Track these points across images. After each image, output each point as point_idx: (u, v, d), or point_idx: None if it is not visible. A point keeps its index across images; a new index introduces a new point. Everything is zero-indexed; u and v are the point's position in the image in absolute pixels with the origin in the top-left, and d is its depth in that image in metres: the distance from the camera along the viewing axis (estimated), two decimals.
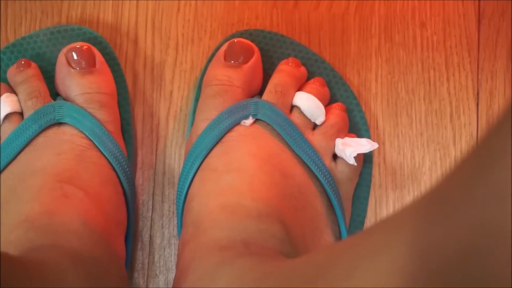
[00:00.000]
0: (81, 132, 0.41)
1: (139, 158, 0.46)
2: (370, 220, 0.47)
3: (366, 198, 0.46)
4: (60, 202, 0.38)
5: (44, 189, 0.38)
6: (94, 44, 0.44)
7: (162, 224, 0.46)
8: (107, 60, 0.44)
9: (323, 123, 0.43)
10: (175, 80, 0.47)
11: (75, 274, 0.34)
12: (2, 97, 0.42)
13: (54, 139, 0.41)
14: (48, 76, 0.44)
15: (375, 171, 0.47)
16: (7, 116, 0.42)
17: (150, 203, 0.46)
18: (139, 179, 0.46)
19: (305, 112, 0.43)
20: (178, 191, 0.43)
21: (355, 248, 0.25)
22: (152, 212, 0.46)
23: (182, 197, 0.42)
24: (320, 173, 0.42)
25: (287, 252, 0.36)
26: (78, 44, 0.43)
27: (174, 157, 0.46)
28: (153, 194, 0.46)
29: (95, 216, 0.38)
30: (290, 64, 0.44)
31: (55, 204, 0.37)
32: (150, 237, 0.45)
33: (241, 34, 0.46)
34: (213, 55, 0.45)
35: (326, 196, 0.42)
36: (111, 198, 0.41)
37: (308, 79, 0.45)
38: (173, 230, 0.46)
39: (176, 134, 0.47)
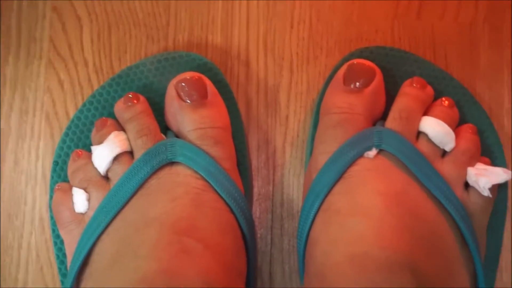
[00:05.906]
0: (196, 172, 0.38)
1: (255, 190, 0.43)
2: (507, 247, 0.43)
3: (502, 228, 0.42)
4: (179, 259, 0.34)
5: (161, 243, 0.35)
6: (204, 71, 0.41)
7: (282, 259, 0.43)
8: (218, 88, 0.41)
9: (453, 149, 0.39)
10: (290, 103, 0.43)
11: None
12: (110, 137, 0.39)
13: (168, 182, 0.38)
14: (157, 107, 0.41)
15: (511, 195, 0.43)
16: (116, 157, 0.39)
17: (269, 237, 0.43)
18: (256, 211, 0.43)
19: (433, 139, 0.39)
20: (298, 232, 0.40)
21: None
22: (271, 247, 0.43)
23: (303, 239, 0.39)
24: (452, 207, 0.38)
25: None
26: (188, 75, 0.39)
27: (293, 187, 0.43)
28: (271, 227, 0.43)
29: (216, 272, 0.35)
30: (414, 85, 0.40)
31: (174, 262, 0.34)
32: (270, 273, 0.42)
33: (360, 53, 0.42)
34: (330, 76, 0.42)
35: (458, 230, 0.38)
36: (231, 247, 0.38)
37: (435, 98, 0.41)
38: (294, 265, 0.43)
39: (293, 162, 0.43)
